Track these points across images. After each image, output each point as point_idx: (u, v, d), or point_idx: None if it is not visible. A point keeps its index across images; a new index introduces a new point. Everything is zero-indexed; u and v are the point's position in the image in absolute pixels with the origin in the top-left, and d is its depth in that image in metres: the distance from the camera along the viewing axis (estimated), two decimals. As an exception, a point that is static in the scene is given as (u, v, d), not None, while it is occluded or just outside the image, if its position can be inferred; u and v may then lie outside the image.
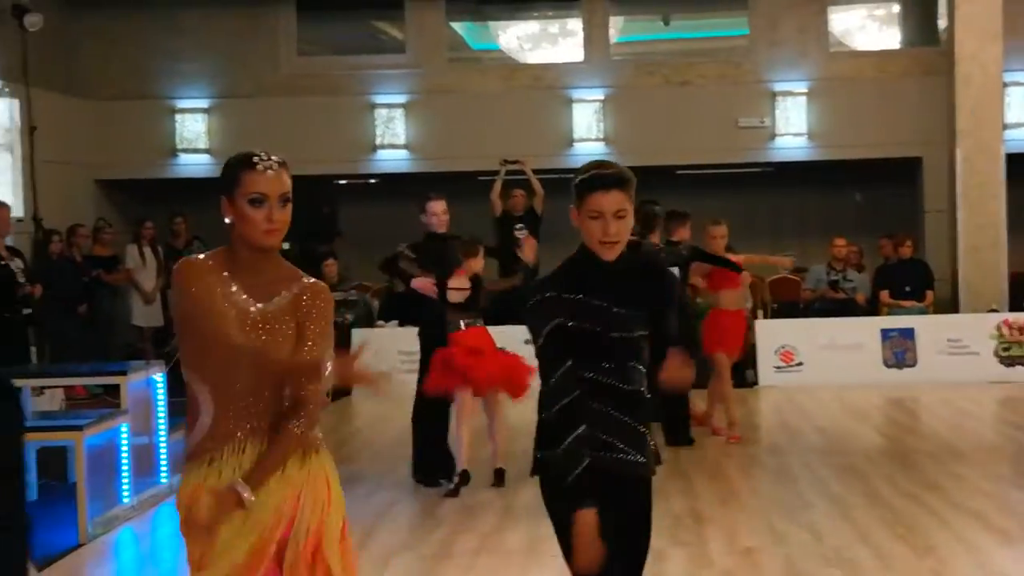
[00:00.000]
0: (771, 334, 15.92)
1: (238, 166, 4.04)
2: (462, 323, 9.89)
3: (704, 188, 18.64)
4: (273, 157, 4.03)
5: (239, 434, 3.99)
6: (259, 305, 3.99)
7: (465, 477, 9.85)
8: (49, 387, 11.30)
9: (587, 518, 4.14)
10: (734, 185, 19.03)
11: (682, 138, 18.07)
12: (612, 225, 4.23)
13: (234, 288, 3.98)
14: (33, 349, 12.95)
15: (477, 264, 10.02)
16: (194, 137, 18.64)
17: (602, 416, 4.29)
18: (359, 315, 16.78)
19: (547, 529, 8.71)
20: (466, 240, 10.19)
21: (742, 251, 12.30)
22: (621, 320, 4.26)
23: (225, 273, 3.99)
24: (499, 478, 10.00)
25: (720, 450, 11.55)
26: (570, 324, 4.19)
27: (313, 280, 4.10)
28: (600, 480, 4.24)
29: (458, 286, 9.97)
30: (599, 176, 4.28)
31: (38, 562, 7.77)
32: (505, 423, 10.19)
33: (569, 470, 4.17)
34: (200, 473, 4.03)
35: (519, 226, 15.62)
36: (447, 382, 9.72)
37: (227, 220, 4.06)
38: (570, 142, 18.28)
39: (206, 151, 18.63)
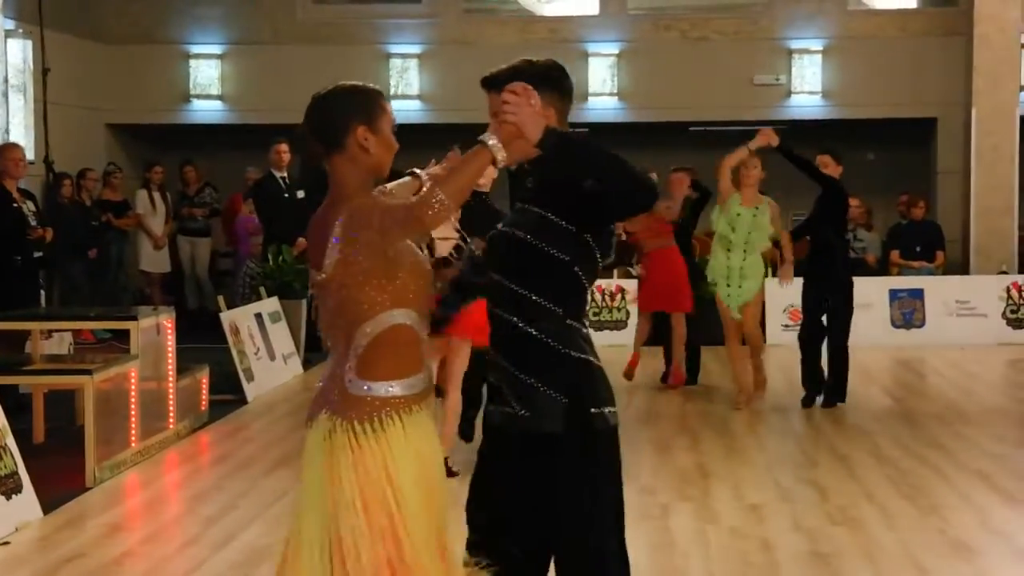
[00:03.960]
0: (779, 293, 15.86)
1: (378, 96, 4.02)
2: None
3: (718, 145, 18.53)
4: None
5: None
6: None
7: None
8: (59, 330, 11.30)
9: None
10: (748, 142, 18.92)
11: (697, 94, 17.99)
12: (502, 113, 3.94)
13: None
14: (43, 292, 12.94)
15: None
16: (207, 83, 18.58)
17: (494, 362, 4.06)
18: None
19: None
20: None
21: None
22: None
23: None
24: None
25: (727, 406, 11.56)
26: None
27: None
28: (494, 435, 4.05)
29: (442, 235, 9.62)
30: (485, 79, 4.12)
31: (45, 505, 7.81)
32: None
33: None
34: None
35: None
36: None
37: (363, 147, 3.94)
38: (584, 96, 18.19)
39: (219, 97, 18.58)
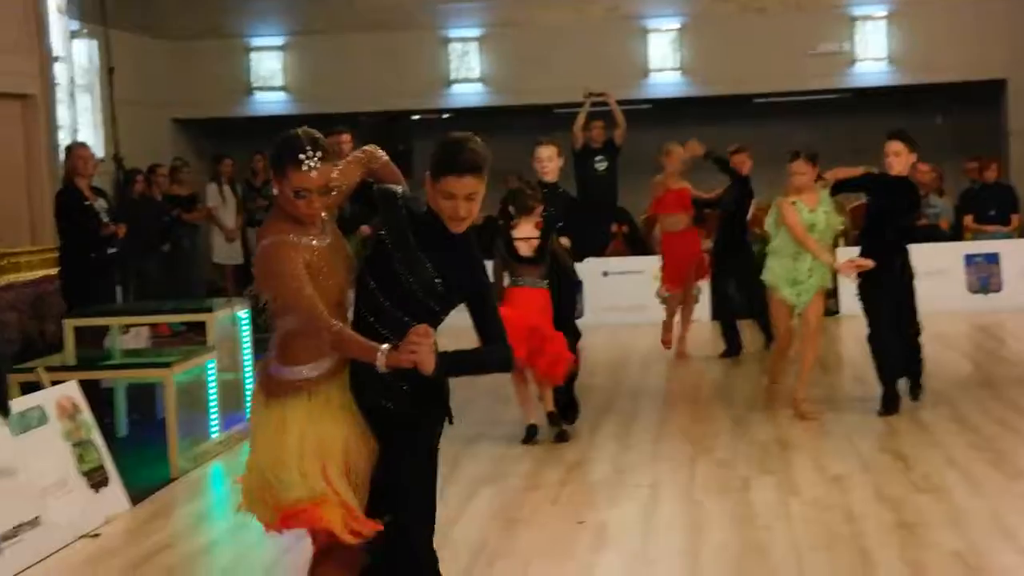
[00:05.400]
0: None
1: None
2: (521, 279, 9.14)
3: (782, 116, 18.43)
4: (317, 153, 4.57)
5: None
6: None
7: (532, 432, 9.28)
8: (136, 325, 11.42)
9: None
10: (812, 112, 18.77)
11: (759, 66, 17.84)
12: (462, 207, 4.55)
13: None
14: (118, 288, 13.09)
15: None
16: (269, 75, 18.68)
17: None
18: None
19: (632, 458, 8.76)
20: (533, 187, 9.36)
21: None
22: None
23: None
24: (555, 421, 9.34)
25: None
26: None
27: None
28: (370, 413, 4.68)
29: (527, 235, 9.17)
30: (455, 162, 4.54)
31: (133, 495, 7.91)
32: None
33: None
34: None
35: (599, 158, 15.55)
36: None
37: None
38: (645, 72, 18.12)
39: (281, 88, 18.68)
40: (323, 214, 4.68)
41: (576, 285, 10.03)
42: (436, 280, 4.59)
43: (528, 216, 9.09)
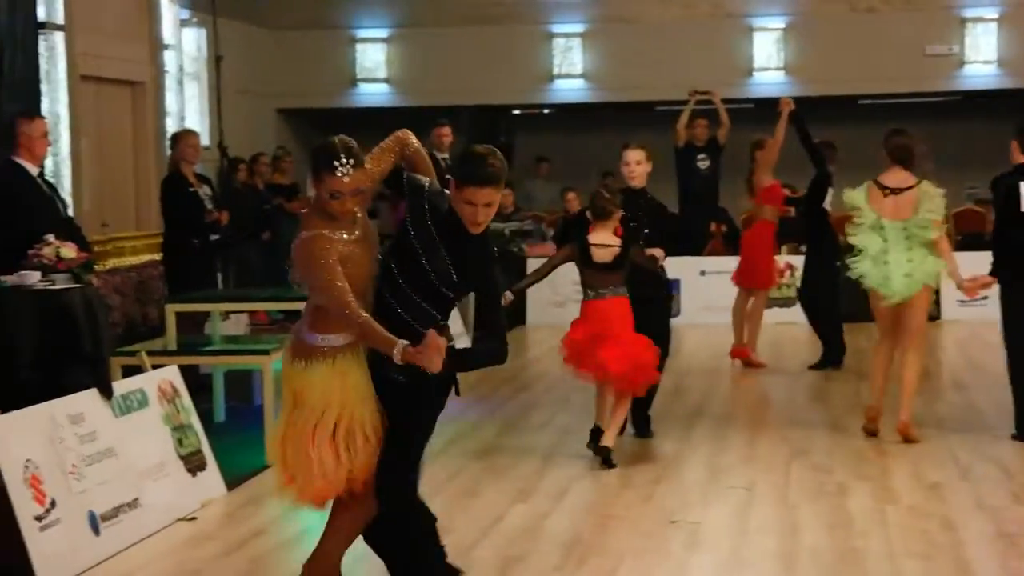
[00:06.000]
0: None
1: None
2: (598, 291, 8.59)
3: (888, 118, 18.08)
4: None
5: None
6: None
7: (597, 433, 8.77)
8: (236, 312, 11.55)
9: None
10: (920, 115, 18.47)
11: (866, 67, 17.64)
12: (481, 214, 5.17)
13: None
14: (219, 275, 13.25)
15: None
16: (373, 66, 18.81)
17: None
18: (534, 243, 16.81)
19: (727, 459, 8.69)
20: (612, 191, 8.79)
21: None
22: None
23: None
24: (606, 458, 8.49)
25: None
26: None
27: None
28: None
29: (603, 242, 8.61)
30: (476, 175, 5.13)
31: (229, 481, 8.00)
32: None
33: None
34: None
35: (701, 156, 15.47)
36: (577, 364, 8.66)
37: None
38: (749, 71, 18.01)
39: (385, 81, 18.79)
40: (356, 209, 5.27)
41: (666, 295, 9.54)
42: (451, 271, 5.20)
43: (605, 222, 8.56)
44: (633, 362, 8.45)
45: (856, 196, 9.11)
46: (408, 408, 5.32)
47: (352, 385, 5.29)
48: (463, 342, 14.71)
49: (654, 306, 8.96)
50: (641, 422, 9.37)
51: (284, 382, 5.43)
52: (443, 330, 5.29)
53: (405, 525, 5.44)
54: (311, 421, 5.27)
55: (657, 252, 8.94)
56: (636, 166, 9.06)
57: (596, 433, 8.68)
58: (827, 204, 12.15)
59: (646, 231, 8.91)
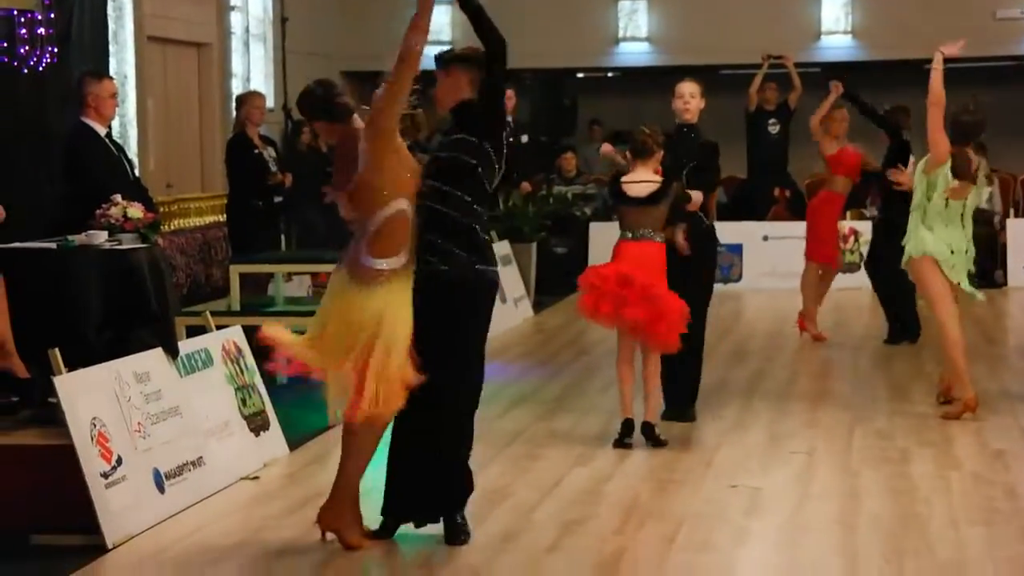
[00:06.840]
0: (1021, 234, 15.40)
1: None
2: (636, 231, 7.98)
3: (958, 82, 17.88)
4: None
5: None
6: None
7: (627, 427, 8.08)
8: (299, 273, 11.62)
9: None
10: (990, 79, 18.25)
11: (935, 31, 17.25)
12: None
13: None
14: (282, 236, 13.33)
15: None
16: (438, 29, 18.73)
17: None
18: (597, 208, 16.77)
19: (788, 425, 8.66)
20: (653, 129, 8.14)
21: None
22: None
23: None
24: (649, 434, 8.05)
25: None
26: None
27: None
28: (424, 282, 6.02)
29: (641, 178, 8.02)
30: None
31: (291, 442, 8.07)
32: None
33: None
34: None
35: (772, 120, 15.39)
36: (596, 310, 7.90)
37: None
38: (817, 35, 17.82)
39: (449, 43, 18.74)
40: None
41: (711, 252, 8.71)
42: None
43: (646, 160, 7.99)
44: (654, 312, 7.75)
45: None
46: (457, 308, 5.96)
47: (401, 303, 5.89)
48: (524, 305, 14.69)
49: (698, 258, 8.29)
50: (677, 399, 8.62)
51: (331, 298, 6.01)
52: None
53: (464, 431, 6.10)
54: (360, 340, 5.82)
55: (696, 195, 8.33)
56: (691, 99, 8.53)
57: (627, 426, 8.04)
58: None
59: (692, 164, 8.38)
